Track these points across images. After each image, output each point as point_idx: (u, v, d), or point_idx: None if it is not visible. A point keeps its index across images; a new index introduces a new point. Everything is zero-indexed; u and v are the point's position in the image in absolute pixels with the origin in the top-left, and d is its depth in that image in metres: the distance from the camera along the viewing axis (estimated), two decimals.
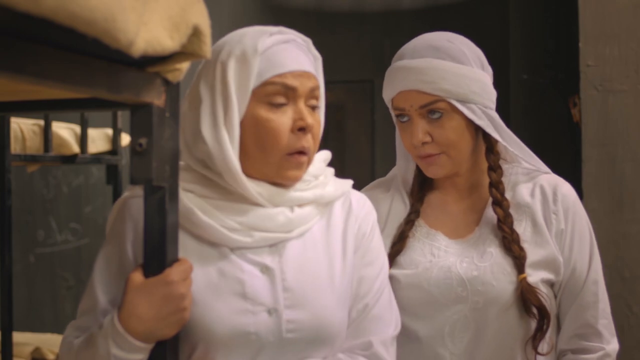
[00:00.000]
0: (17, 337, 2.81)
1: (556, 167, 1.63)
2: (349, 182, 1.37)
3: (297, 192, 1.28)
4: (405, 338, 1.45)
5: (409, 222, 1.54)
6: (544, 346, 1.47)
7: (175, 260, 1.12)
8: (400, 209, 1.58)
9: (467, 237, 1.53)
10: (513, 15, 3.45)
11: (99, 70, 0.90)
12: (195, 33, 0.98)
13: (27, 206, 4.32)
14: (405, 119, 1.49)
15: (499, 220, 1.49)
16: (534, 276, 1.46)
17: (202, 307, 1.20)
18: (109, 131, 3.05)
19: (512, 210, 1.50)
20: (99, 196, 4.32)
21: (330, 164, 1.39)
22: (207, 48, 1.00)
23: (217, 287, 1.22)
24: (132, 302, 1.11)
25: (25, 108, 1.35)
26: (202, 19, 0.99)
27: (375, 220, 1.38)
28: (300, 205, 1.28)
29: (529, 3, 3.27)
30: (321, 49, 1.31)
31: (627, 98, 2.52)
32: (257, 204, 1.24)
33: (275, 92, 1.23)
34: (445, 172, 1.50)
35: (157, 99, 1.03)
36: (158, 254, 1.10)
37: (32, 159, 2.65)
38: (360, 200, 1.38)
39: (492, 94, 1.49)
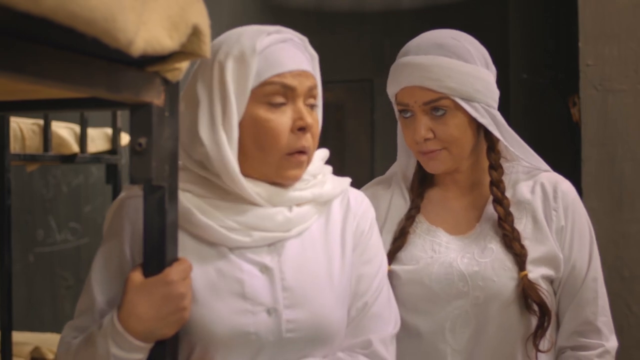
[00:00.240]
0: (17, 336, 2.81)
1: (556, 167, 1.63)
2: (347, 180, 1.37)
3: (296, 191, 1.28)
4: (406, 334, 1.46)
5: (409, 218, 1.55)
6: (544, 343, 1.48)
7: (175, 259, 1.12)
8: (400, 204, 1.58)
9: (467, 233, 1.53)
10: (513, 15, 3.45)
11: (99, 69, 0.90)
12: (195, 32, 0.98)
13: (27, 206, 4.33)
14: (408, 114, 1.50)
15: (499, 218, 1.49)
16: (535, 272, 1.47)
17: (202, 307, 1.20)
18: (109, 131, 3.05)
19: (512, 208, 1.51)
20: (99, 196, 4.32)
21: (330, 164, 1.39)
22: (207, 48, 1.00)
23: (216, 287, 1.22)
24: (131, 301, 1.11)
25: (25, 107, 1.34)
26: (201, 18, 0.99)
27: (373, 217, 1.38)
28: (298, 205, 1.28)
29: (529, 3, 3.27)
30: (321, 49, 1.31)
31: (626, 98, 2.53)
32: (255, 204, 1.24)
33: (274, 92, 1.23)
34: (445, 168, 1.51)
35: (156, 98, 1.03)
36: (158, 253, 1.10)
37: (31, 158, 2.65)
38: (358, 198, 1.38)
39: (495, 93, 1.50)
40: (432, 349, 1.48)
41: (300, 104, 1.25)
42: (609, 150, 2.53)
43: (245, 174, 1.24)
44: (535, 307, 1.45)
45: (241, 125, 1.23)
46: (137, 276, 1.12)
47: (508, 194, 1.53)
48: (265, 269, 1.24)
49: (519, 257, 1.46)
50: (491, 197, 1.52)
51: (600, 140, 2.54)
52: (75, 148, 2.82)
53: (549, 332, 1.48)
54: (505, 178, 1.54)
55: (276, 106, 1.23)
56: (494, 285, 1.46)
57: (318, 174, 1.33)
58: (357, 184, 1.45)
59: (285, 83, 1.23)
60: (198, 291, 1.20)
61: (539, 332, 1.46)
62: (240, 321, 1.20)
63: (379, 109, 4.86)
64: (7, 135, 2.46)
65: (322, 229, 1.31)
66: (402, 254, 1.51)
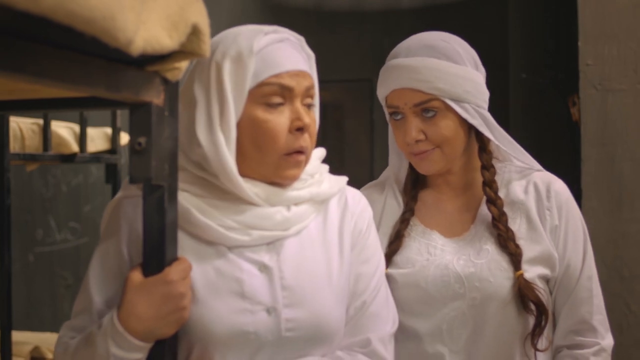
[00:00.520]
0: (16, 336, 2.81)
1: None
2: (344, 179, 1.37)
3: (294, 191, 1.28)
4: (404, 336, 1.46)
5: (404, 221, 1.55)
6: (542, 342, 1.48)
7: (175, 259, 1.12)
8: (393, 207, 1.58)
9: (462, 235, 1.53)
10: (513, 15, 3.45)
11: (98, 69, 0.90)
12: (194, 32, 0.98)
13: (26, 205, 4.32)
14: (399, 116, 1.50)
15: (493, 218, 1.50)
16: (531, 272, 1.47)
17: (201, 306, 1.20)
18: (108, 130, 3.05)
19: (506, 208, 1.52)
20: (98, 195, 4.32)
21: (330, 164, 1.39)
22: (206, 47, 1.00)
23: (215, 287, 1.22)
24: (131, 301, 1.11)
25: (25, 107, 1.35)
26: (201, 17, 0.99)
27: (371, 217, 1.38)
28: (296, 204, 1.28)
29: (529, 3, 3.27)
30: (320, 48, 1.31)
31: (626, 97, 2.53)
32: (253, 204, 1.24)
33: (272, 92, 1.23)
34: (437, 168, 1.51)
35: (156, 97, 1.03)
36: (157, 253, 1.10)
37: (31, 158, 2.64)
38: (356, 197, 1.38)
39: (485, 94, 1.51)
40: (430, 351, 1.48)
41: (298, 104, 1.25)
42: (608, 150, 2.53)
43: (243, 174, 1.24)
44: (532, 307, 1.45)
45: (239, 125, 1.23)
46: (136, 276, 1.12)
47: (501, 194, 1.53)
48: (264, 268, 1.24)
49: (514, 257, 1.46)
50: (484, 198, 1.52)
51: (600, 140, 2.54)
52: (74, 148, 2.82)
53: (547, 331, 1.49)
54: (497, 178, 1.55)
55: (274, 106, 1.23)
56: (491, 285, 1.46)
57: (315, 173, 1.33)
58: (356, 184, 1.45)
59: (282, 83, 1.23)
60: (197, 290, 1.20)
61: (537, 331, 1.46)
62: (240, 320, 1.20)
63: (379, 109, 4.84)
64: (6, 134, 2.46)
65: (320, 227, 1.32)
66: (398, 258, 1.52)
